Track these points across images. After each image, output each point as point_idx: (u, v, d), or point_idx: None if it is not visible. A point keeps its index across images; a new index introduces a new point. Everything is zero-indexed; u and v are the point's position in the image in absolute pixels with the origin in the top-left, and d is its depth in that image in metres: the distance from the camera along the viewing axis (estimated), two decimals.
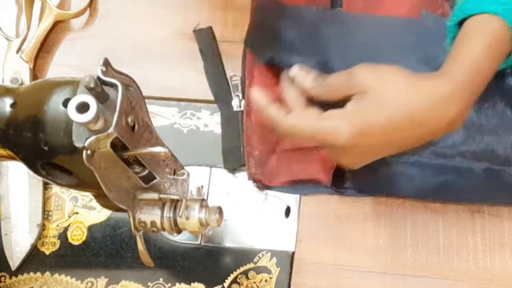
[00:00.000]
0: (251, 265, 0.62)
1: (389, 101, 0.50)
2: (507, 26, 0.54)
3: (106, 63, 0.45)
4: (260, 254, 0.63)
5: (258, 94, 0.54)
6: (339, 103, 0.52)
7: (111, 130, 0.43)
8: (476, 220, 0.62)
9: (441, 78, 0.52)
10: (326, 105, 0.52)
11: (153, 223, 0.52)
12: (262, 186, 0.64)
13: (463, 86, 0.51)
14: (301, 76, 0.54)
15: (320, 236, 0.63)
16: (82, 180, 0.48)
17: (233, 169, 0.65)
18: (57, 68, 0.73)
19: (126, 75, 0.47)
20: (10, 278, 0.65)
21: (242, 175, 0.65)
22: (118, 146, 0.46)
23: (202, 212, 0.52)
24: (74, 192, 0.67)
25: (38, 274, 0.65)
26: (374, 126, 0.50)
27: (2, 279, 0.65)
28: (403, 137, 0.51)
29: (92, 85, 0.42)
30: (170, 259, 0.63)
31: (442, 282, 0.60)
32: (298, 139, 0.55)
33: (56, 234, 0.66)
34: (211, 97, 0.68)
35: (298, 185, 0.64)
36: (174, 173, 0.54)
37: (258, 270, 0.62)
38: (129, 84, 0.47)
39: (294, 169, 0.64)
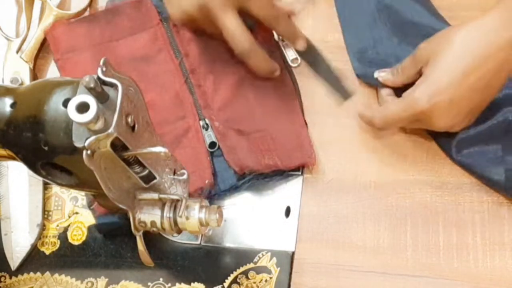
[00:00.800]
0: (251, 265, 0.62)
1: (447, 58, 0.56)
2: None
3: (106, 63, 0.45)
4: (260, 254, 0.63)
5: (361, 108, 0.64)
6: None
7: (111, 130, 0.43)
8: (476, 220, 0.62)
9: (498, 8, 0.55)
10: None
11: (153, 223, 0.52)
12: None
13: None
14: (382, 76, 0.64)
15: (320, 236, 0.63)
16: (82, 180, 0.48)
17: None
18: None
19: (126, 75, 0.47)
20: (10, 278, 0.65)
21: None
22: (118, 146, 0.46)
23: (202, 212, 0.52)
24: (74, 192, 0.67)
25: (38, 274, 0.65)
26: (442, 82, 0.56)
27: (2, 279, 0.65)
28: (474, 81, 0.56)
29: (92, 85, 0.42)
30: (170, 259, 0.63)
31: (442, 282, 0.60)
32: (394, 123, 0.62)
33: (56, 234, 0.66)
34: None
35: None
36: (174, 173, 0.54)
37: (258, 270, 0.62)
38: (129, 84, 0.47)
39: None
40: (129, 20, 0.69)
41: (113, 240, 0.65)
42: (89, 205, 0.65)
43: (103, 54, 0.67)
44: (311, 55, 0.68)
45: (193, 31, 0.67)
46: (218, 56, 0.67)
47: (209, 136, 0.65)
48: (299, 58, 0.68)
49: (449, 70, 0.56)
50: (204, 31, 0.65)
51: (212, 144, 0.65)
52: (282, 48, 0.68)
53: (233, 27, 0.60)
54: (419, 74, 0.59)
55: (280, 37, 0.68)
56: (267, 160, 0.64)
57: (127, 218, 0.63)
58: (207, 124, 0.65)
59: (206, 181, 0.62)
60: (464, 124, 0.60)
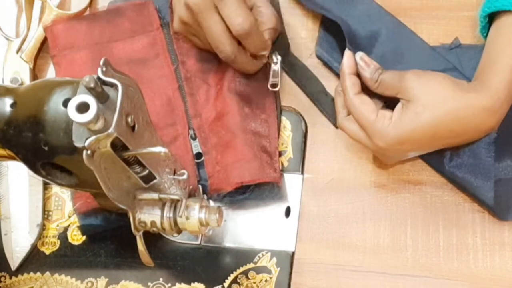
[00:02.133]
0: (251, 265, 0.62)
1: (431, 112, 0.54)
2: None
3: (106, 63, 0.45)
4: (260, 254, 0.63)
5: (347, 59, 0.59)
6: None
7: (111, 130, 0.43)
8: (476, 220, 0.62)
9: (485, 92, 0.55)
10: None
11: (153, 223, 0.52)
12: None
13: (505, 100, 0.55)
14: (361, 66, 0.58)
15: (320, 236, 0.63)
16: (82, 180, 0.48)
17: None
18: None
19: (126, 75, 0.47)
20: (10, 278, 0.65)
21: None
22: (118, 146, 0.46)
23: (202, 212, 0.52)
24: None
25: (38, 274, 0.65)
26: (414, 135, 0.55)
27: (2, 279, 0.65)
28: (440, 144, 0.58)
29: (92, 85, 0.42)
30: (170, 259, 0.63)
31: (442, 282, 0.60)
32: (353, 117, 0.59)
33: (56, 234, 0.66)
34: None
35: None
36: (174, 173, 0.54)
37: (258, 270, 0.62)
38: (129, 84, 0.47)
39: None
40: (129, 22, 0.69)
41: (113, 240, 0.65)
42: (73, 205, 0.65)
43: (100, 54, 0.67)
44: (296, 72, 0.68)
45: (192, 43, 0.67)
46: (214, 67, 0.67)
47: (196, 146, 0.65)
48: (278, 83, 0.64)
49: (427, 125, 0.55)
50: (200, 42, 0.65)
51: (198, 155, 0.65)
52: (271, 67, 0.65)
53: (215, 31, 0.59)
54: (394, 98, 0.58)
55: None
56: (234, 178, 0.62)
57: (110, 221, 0.63)
58: (194, 134, 0.65)
59: (190, 187, 0.62)
60: (394, 162, 0.63)
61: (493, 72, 0.56)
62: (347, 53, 0.59)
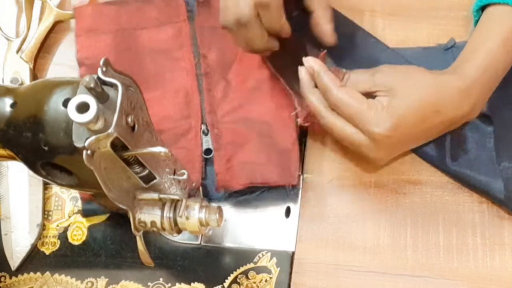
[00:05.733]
0: (251, 265, 0.62)
1: (416, 96, 0.55)
2: None
3: (106, 63, 0.45)
4: (260, 254, 0.63)
5: (313, 60, 0.58)
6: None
7: (111, 130, 0.43)
8: (476, 220, 0.62)
9: (458, 76, 0.56)
10: None
11: (153, 223, 0.52)
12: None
13: (474, 84, 0.56)
14: (318, 67, 0.58)
15: (320, 236, 0.63)
16: (82, 180, 0.48)
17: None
18: (57, 68, 0.73)
19: (126, 75, 0.47)
20: (10, 278, 0.65)
21: None
22: (118, 146, 0.46)
23: (202, 212, 0.52)
24: (74, 192, 0.67)
25: (38, 274, 0.65)
26: (407, 119, 0.55)
27: (2, 279, 0.65)
28: (429, 127, 0.57)
29: (92, 85, 0.42)
30: (170, 259, 0.63)
31: (442, 282, 0.60)
32: (341, 114, 0.57)
33: (56, 234, 0.66)
34: None
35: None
36: (174, 173, 0.54)
37: (258, 270, 0.62)
38: (129, 84, 0.47)
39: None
40: (158, 11, 0.70)
41: (113, 240, 0.65)
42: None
43: (125, 40, 0.68)
44: None
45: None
46: (235, 64, 0.67)
47: (207, 142, 0.65)
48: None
49: (415, 109, 0.55)
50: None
51: (208, 151, 0.65)
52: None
53: None
54: (369, 93, 0.57)
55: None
56: (245, 179, 0.63)
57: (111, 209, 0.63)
58: (207, 130, 0.65)
59: (193, 184, 0.62)
60: (387, 160, 0.61)
61: (469, 58, 0.57)
62: (310, 58, 0.59)
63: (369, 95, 0.57)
